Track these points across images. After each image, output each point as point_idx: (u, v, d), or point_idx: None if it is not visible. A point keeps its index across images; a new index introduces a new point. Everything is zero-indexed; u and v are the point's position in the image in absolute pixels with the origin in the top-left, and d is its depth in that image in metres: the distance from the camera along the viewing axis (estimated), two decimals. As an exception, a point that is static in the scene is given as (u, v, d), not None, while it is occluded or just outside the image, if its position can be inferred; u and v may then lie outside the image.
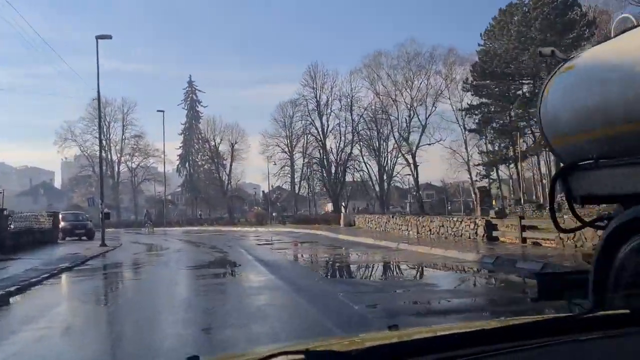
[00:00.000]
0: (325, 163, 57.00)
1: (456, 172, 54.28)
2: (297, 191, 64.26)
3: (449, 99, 52.10)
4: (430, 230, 21.50)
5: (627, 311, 1.43)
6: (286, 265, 14.84)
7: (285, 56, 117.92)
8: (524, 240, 15.21)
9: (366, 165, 57.80)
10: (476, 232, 17.90)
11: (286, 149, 61.27)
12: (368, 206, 65.00)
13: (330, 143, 57.63)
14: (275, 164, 59.01)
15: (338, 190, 56.52)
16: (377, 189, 57.63)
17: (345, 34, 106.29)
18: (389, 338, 1.47)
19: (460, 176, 55.20)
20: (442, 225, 20.57)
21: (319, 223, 40.25)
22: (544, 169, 44.76)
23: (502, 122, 43.46)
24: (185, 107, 73.16)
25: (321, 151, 57.88)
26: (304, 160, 60.12)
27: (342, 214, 36.82)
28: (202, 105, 73.04)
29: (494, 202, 33.90)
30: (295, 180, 62.52)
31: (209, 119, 67.81)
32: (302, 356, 1.10)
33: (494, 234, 17.11)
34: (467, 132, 48.38)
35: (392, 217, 28.09)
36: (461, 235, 18.87)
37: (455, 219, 21.19)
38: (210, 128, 66.78)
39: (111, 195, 70.29)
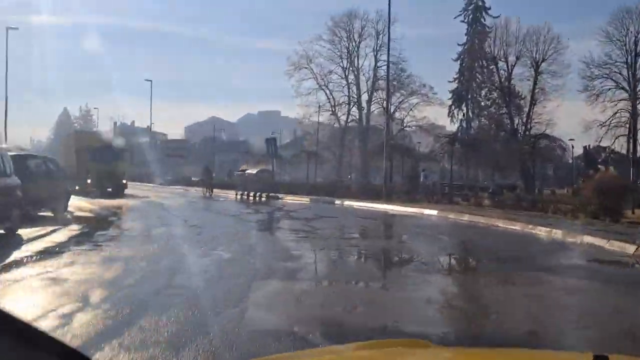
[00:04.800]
0: None
1: None
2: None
3: None
4: None
5: None
6: None
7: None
8: None
9: None
10: None
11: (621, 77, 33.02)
12: None
13: None
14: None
15: None
16: None
17: None
18: None
19: None
20: None
21: None
22: None
23: None
24: (466, 20, 48.34)
25: None
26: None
27: None
28: (490, 15, 47.21)
29: None
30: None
31: (498, 26, 42.25)
32: None
33: None
34: None
35: None
36: None
37: None
38: (501, 40, 41.22)
39: (353, 142, 51.69)
